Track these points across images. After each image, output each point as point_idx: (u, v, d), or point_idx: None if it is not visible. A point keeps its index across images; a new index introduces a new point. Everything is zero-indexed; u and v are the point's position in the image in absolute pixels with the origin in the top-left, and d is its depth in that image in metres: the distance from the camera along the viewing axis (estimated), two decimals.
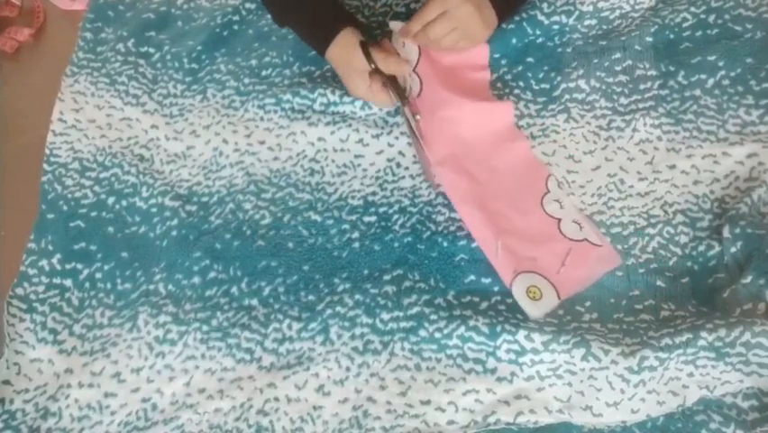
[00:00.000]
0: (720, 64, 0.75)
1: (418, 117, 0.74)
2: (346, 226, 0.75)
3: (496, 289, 0.69)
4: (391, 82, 0.75)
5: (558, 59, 0.79)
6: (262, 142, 0.80)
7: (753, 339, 0.60)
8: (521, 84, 0.79)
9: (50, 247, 0.77)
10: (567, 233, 0.70)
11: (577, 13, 0.80)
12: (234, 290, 0.73)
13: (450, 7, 0.70)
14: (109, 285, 0.75)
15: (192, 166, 0.81)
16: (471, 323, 0.66)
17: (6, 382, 0.71)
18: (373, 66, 0.73)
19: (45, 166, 0.82)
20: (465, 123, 0.76)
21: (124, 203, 0.79)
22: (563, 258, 0.69)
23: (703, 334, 0.61)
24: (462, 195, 0.73)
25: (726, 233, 0.67)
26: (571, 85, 0.77)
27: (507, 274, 0.69)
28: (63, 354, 0.72)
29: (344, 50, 0.74)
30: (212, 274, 0.74)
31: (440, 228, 0.73)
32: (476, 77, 0.79)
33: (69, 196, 0.80)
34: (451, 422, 0.64)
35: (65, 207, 0.80)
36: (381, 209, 0.75)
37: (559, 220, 0.71)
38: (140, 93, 0.86)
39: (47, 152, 0.83)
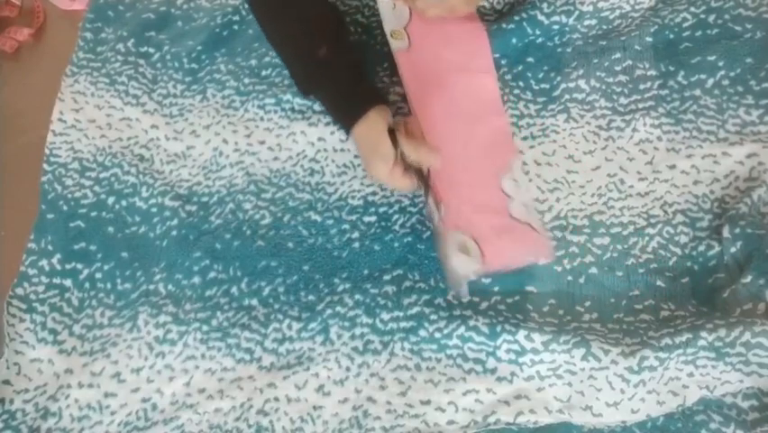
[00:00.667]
0: (720, 64, 0.75)
1: (442, 207, 0.70)
2: (346, 226, 0.75)
3: (496, 289, 0.69)
4: (415, 169, 0.70)
5: (558, 59, 0.79)
6: (262, 142, 0.80)
7: (753, 339, 0.60)
8: (521, 84, 0.79)
9: (50, 247, 0.77)
10: (513, 212, 0.70)
11: (577, 13, 0.79)
12: (234, 290, 0.73)
13: None
14: (109, 285, 0.75)
15: (192, 166, 0.81)
16: (471, 323, 0.66)
17: (6, 382, 0.71)
18: (399, 152, 0.69)
19: (45, 166, 0.82)
20: (451, 84, 0.76)
21: (124, 203, 0.79)
22: (501, 233, 0.69)
23: (703, 334, 0.61)
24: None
25: (726, 233, 0.67)
26: (571, 85, 0.77)
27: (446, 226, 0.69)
28: (63, 354, 0.72)
29: (371, 131, 0.70)
30: (212, 274, 0.74)
31: None
32: (469, 40, 0.79)
33: (69, 196, 0.80)
34: (451, 422, 0.64)
35: (65, 208, 0.80)
36: (381, 209, 0.75)
37: (510, 198, 0.71)
38: (140, 93, 0.86)
39: (47, 151, 0.82)
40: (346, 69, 0.73)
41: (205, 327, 0.71)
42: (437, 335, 0.67)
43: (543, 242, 0.69)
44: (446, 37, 0.78)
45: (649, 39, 0.78)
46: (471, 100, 0.76)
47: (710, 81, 0.75)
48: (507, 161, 0.73)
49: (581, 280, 0.69)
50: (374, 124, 0.70)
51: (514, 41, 0.80)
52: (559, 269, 0.70)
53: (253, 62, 0.85)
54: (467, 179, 0.72)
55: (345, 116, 0.72)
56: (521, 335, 0.65)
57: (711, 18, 0.77)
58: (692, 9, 0.78)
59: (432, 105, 0.74)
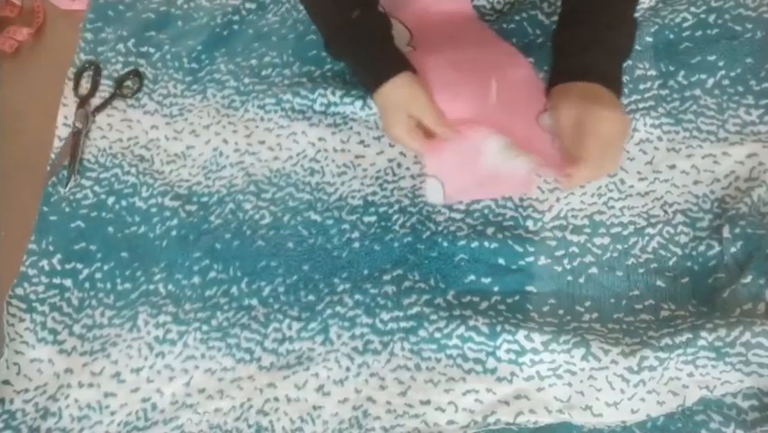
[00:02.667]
0: (720, 64, 0.75)
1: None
2: (346, 226, 0.75)
3: (496, 289, 0.69)
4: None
5: None
6: (262, 142, 0.80)
7: (753, 339, 0.60)
8: None
9: (51, 248, 0.77)
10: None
11: None
12: (234, 290, 0.73)
13: None
14: (109, 285, 0.75)
15: (192, 166, 0.81)
16: (471, 323, 0.66)
17: (6, 382, 0.71)
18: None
19: (50, 170, 0.82)
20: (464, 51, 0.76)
21: (124, 203, 0.79)
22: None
23: (703, 334, 0.61)
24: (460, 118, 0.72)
25: (726, 233, 0.67)
26: None
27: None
28: (63, 354, 0.72)
29: (401, 90, 0.69)
30: (212, 274, 0.74)
31: (440, 228, 0.73)
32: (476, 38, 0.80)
33: (71, 198, 0.80)
34: (451, 422, 0.64)
35: (67, 209, 0.80)
36: (381, 209, 0.75)
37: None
38: (141, 94, 0.86)
39: (52, 156, 0.82)
40: (379, 31, 0.71)
41: (204, 327, 0.71)
42: (437, 335, 0.67)
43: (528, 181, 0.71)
44: (451, 38, 0.79)
45: (649, 39, 0.78)
46: (489, 58, 0.76)
47: (710, 81, 0.75)
48: (542, 104, 0.68)
49: (581, 280, 0.69)
50: (405, 84, 0.69)
51: (514, 41, 0.80)
52: (559, 269, 0.70)
53: (253, 62, 0.85)
54: (511, 121, 0.70)
55: (375, 75, 0.70)
56: (521, 335, 0.65)
57: (711, 18, 0.77)
58: (692, 9, 0.78)
59: (452, 78, 0.73)
